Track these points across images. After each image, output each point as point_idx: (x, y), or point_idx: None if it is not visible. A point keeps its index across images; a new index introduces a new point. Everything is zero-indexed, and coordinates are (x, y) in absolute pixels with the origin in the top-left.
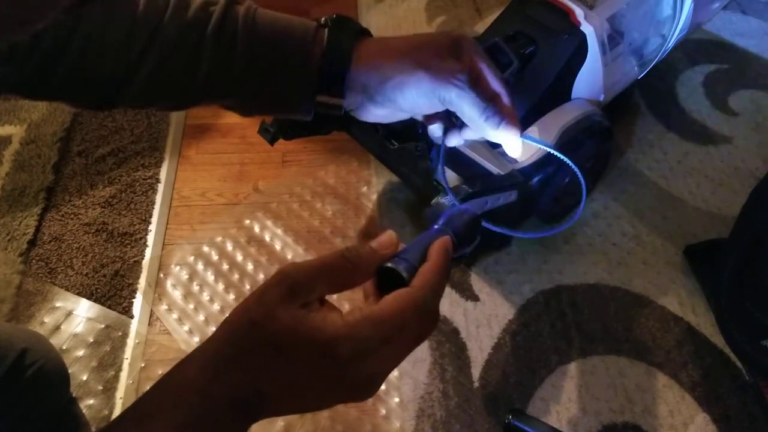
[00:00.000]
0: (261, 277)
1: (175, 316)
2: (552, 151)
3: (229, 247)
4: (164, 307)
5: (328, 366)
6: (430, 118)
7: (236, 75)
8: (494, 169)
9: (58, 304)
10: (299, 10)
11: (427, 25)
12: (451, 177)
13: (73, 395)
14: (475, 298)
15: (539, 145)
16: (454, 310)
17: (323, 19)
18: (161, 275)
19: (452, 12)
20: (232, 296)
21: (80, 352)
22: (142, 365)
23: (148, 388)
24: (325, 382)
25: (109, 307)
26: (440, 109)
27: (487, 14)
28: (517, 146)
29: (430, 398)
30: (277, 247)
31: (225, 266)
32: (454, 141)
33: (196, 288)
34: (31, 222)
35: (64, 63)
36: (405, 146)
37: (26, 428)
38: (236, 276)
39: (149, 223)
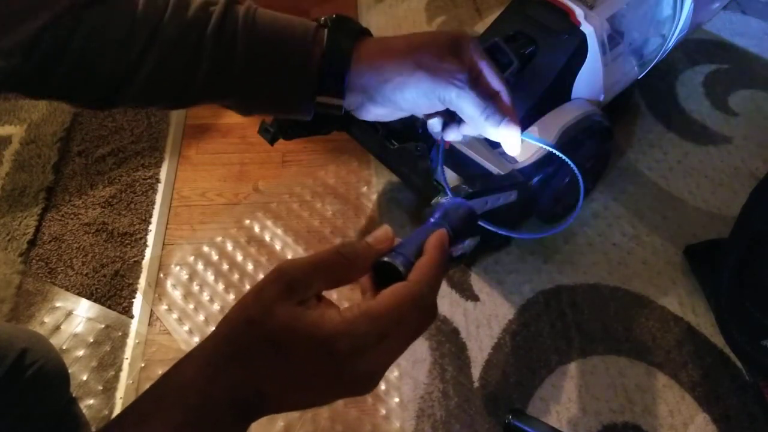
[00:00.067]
0: (261, 277)
1: (175, 316)
2: (550, 149)
3: (229, 247)
4: (164, 307)
5: (326, 362)
6: (430, 114)
7: (236, 75)
8: (494, 169)
9: (58, 304)
10: (299, 10)
11: (427, 25)
12: (451, 177)
13: (73, 395)
14: (475, 298)
15: (539, 144)
16: (454, 310)
17: (323, 19)
18: (161, 275)
19: (452, 12)
20: (232, 296)
21: (80, 352)
22: (142, 365)
23: (147, 387)
24: (324, 379)
25: (109, 307)
26: (440, 108)
27: (487, 14)
28: (517, 145)
29: (430, 398)
30: (277, 247)
31: (225, 266)
32: (452, 136)
33: (196, 288)
34: (31, 222)
35: (65, 62)
36: (405, 146)
37: (26, 428)
38: (236, 276)
39: (149, 223)
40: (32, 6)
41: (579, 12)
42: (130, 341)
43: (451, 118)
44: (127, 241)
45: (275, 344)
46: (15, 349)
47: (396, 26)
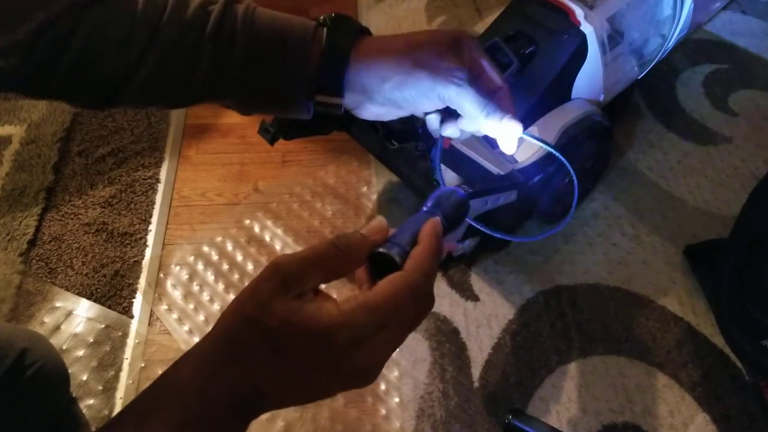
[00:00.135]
0: None
1: (175, 316)
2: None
3: (229, 247)
4: (164, 307)
5: (325, 356)
6: (429, 112)
7: (235, 74)
8: (494, 169)
9: (58, 304)
10: (299, 10)
11: (427, 25)
12: (451, 177)
13: (73, 395)
14: (475, 298)
15: (538, 143)
16: (454, 310)
17: (322, 18)
18: (161, 275)
19: (452, 12)
20: (231, 296)
21: (80, 352)
22: (142, 365)
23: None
24: (324, 372)
25: (109, 307)
26: (441, 106)
27: (487, 14)
28: (514, 143)
29: (430, 398)
30: (277, 247)
31: (225, 266)
32: (450, 131)
33: (196, 288)
34: (31, 222)
35: (64, 62)
36: (405, 146)
37: (26, 428)
38: (236, 276)
39: (149, 223)
40: (32, 6)
41: (579, 12)
42: (130, 341)
43: (448, 113)
44: (127, 241)
45: (273, 341)
46: (15, 349)
47: (396, 26)
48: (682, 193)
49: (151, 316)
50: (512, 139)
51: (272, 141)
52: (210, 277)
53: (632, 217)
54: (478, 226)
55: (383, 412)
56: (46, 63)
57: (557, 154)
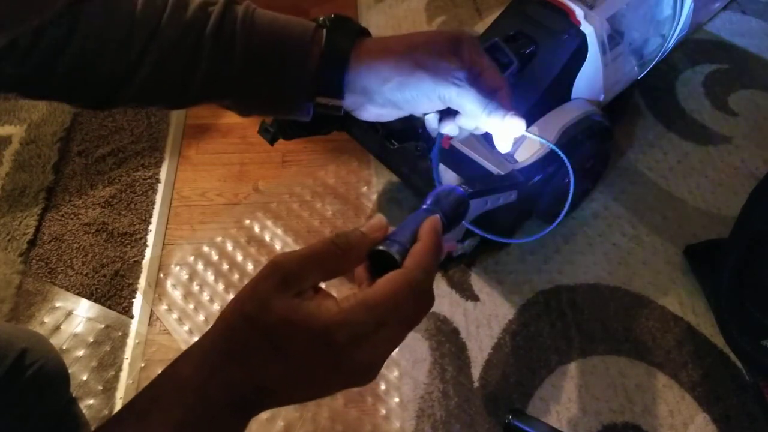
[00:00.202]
0: None
1: (175, 316)
2: (543, 141)
3: (229, 247)
4: (164, 307)
5: (325, 354)
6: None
7: (235, 75)
8: (494, 169)
9: (58, 304)
10: (299, 10)
11: (427, 25)
12: (451, 177)
13: (73, 395)
14: (475, 298)
15: (538, 139)
16: (454, 310)
17: (322, 19)
18: (161, 275)
19: (452, 12)
20: (231, 296)
21: (80, 352)
22: (142, 365)
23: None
24: (324, 371)
25: (109, 307)
26: (441, 107)
27: (487, 14)
28: (509, 141)
29: (430, 398)
30: (277, 247)
31: (225, 266)
32: (448, 129)
33: (196, 288)
34: (31, 222)
35: (64, 63)
36: (405, 146)
37: (26, 428)
38: (236, 276)
39: (149, 223)
40: (31, 6)
41: (579, 12)
42: (130, 341)
43: (447, 111)
44: (127, 241)
45: (273, 339)
46: (15, 349)
47: (396, 26)
48: (682, 193)
49: (151, 316)
50: (514, 136)
51: (272, 141)
52: (210, 277)
53: (632, 217)
54: (474, 229)
55: (383, 412)
56: (46, 63)
57: (554, 147)
